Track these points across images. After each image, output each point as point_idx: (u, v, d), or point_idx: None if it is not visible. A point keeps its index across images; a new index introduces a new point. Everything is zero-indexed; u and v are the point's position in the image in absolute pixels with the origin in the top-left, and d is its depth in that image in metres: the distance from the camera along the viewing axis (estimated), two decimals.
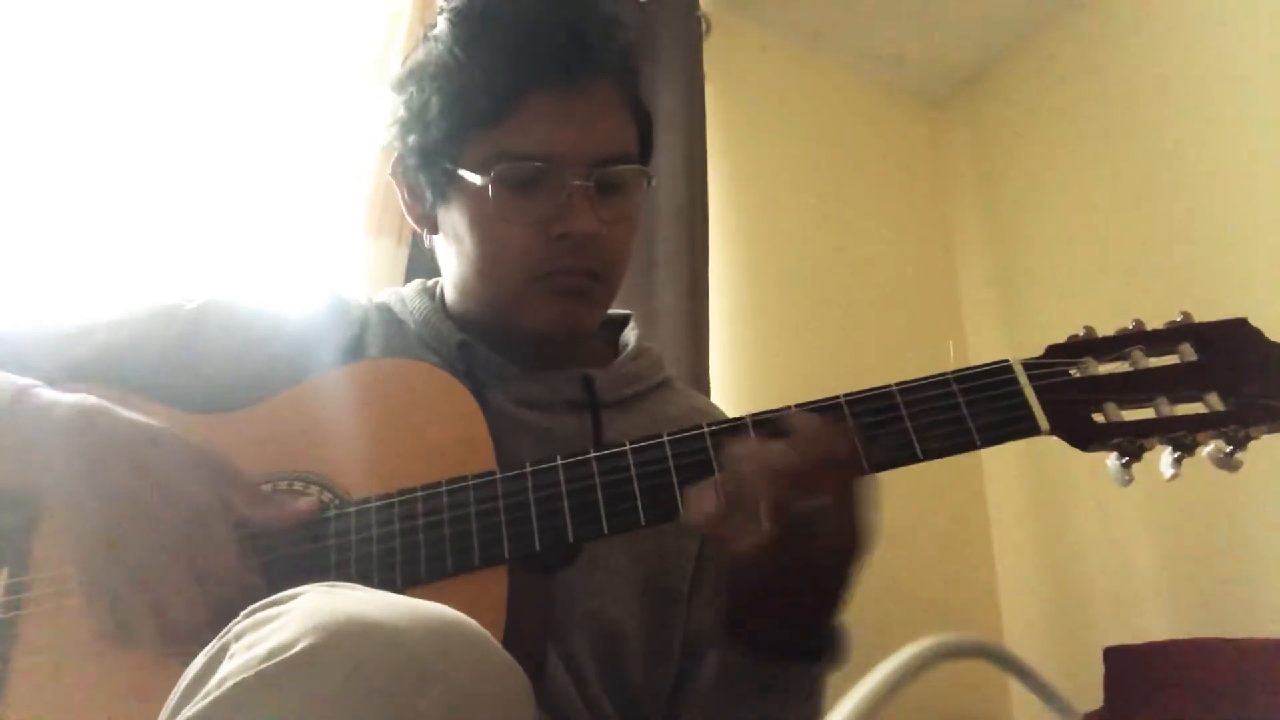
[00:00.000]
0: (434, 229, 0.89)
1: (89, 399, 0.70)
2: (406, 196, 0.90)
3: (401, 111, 0.85)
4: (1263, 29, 1.84)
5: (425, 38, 0.85)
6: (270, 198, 1.64)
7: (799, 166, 2.40)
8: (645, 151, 0.89)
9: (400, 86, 0.86)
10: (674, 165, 1.94)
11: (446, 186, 0.83)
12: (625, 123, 0.84)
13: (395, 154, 0.88)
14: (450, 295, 0.91)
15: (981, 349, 2.42)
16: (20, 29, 1.47)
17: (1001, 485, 2.29)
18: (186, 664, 0.49)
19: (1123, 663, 1.63)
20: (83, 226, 1.45)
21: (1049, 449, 0.67)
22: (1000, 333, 2.40)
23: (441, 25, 0.83)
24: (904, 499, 2.05)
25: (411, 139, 0.84)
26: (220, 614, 0.61)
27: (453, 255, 0.86)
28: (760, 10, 2.40)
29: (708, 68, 2.15)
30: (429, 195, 0.86)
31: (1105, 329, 0.71)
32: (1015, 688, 1.80)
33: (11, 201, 1.39)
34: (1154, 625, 1.78)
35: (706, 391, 1.80)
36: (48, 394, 0.70)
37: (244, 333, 0.85)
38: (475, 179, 0.79)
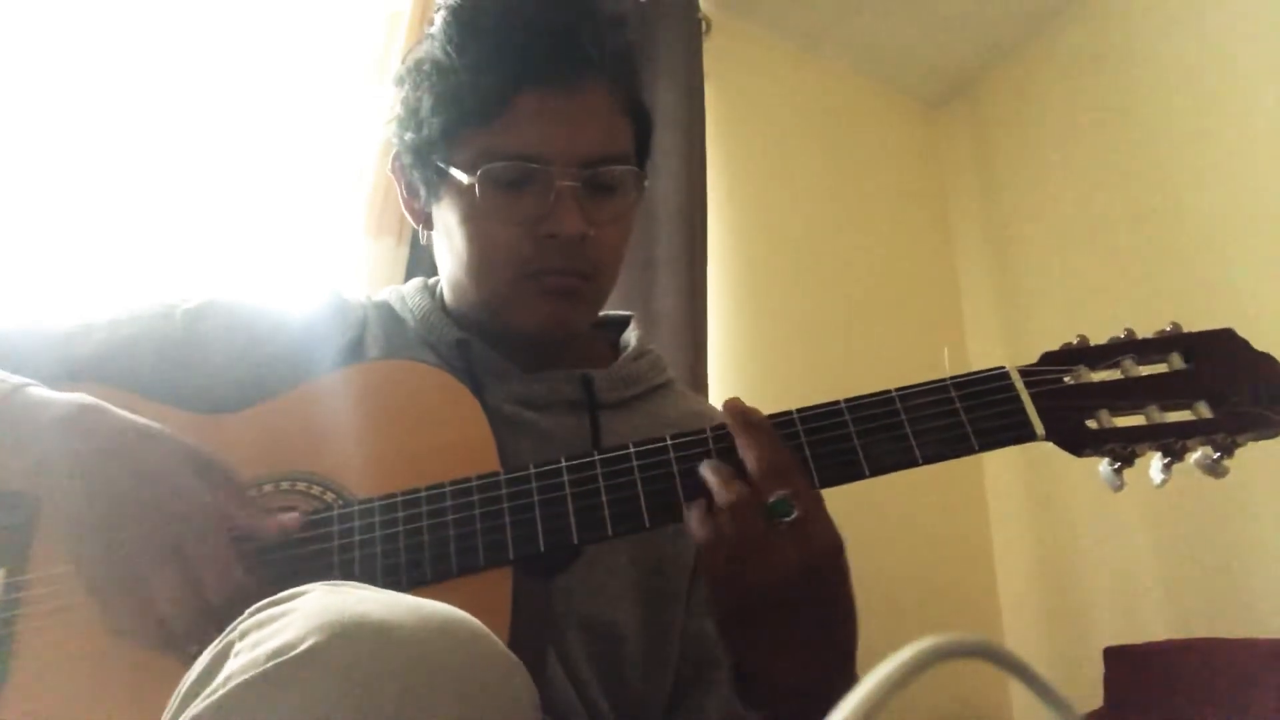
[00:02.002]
0: (430, 225, 0.89)
1: (84, 398, 0.69)
2: (404, 193, 0.91)
3: (399, 108, 0.86)
4: (1263, 31, 1.84)
5: (425, 35, 0.86)
6: (270, 198, 1.64)
7: (798, 167, 2.40)
8: (642, 153, 0.89)
9: (399, 83, 0.86)
10: (673, 166, 1.94)
11: (438, 184, 0.84)
12: (618, 124, 0.84)
13: (394, 150, 0.89)
14: (447, 294, 0.91)
15: (981, 348, 2.43)
16: (20, 29, 1.47)
17: (1001, 486, 2.29)
18: (186, 663, 0.49)
19: (1123, 663, 1.63)
20: (83, 226, 1.45)
21: (1047, 450, 0.68)
22: (999, 333, 2.40)
23: (437, 23, 0.84)
24: (904, 500, 2.07)
25: (407, 136, 0.85)
26: (210, 613, 0.61)
27: (446, 252, 0.87)
28: (760, 10, 2.40)
29: (707, 68, 2.15)
30: (423, 192, 0.87)
31: (1104, 327, 0.72)
32: (1015, 688, 1.80)
33: (12, 201, 1.39)
34: (1154, 625, 1.79)
35: (704, 393, 1.80)
36: (42, 393, 0.70)
37: (245, 332, 0.85)
38: (463, 178, 0.80)
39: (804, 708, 0.66)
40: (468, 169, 0.79)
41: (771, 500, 0.63)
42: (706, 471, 0.66)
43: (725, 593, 0.64)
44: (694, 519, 0.65)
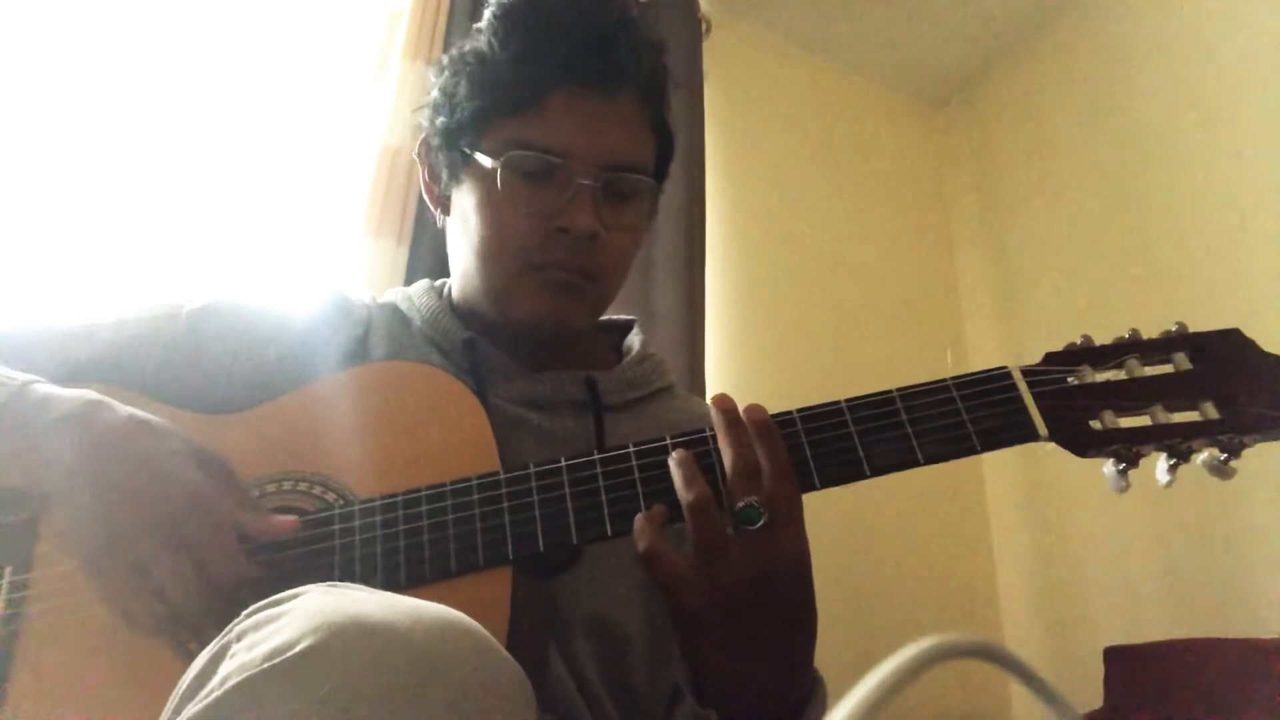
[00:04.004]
0: (447, 210, 0.91)
1: (88, 393, 0.70)
2: (426, 176, 0.93)
3: (435, 94, 0.89)
4: (1262, 32, 1.84)
5: (473, 30, 0.89)
6: (270, 198, 1.64)
7: (798, 167, 2.40)
8: (661, 171, 0.92)
9: (439, 71, 0.90)
10: (672, 166, 1.94)
11: (461, 168, 0.86)
12: (643, 136, 0.87)
13: (423, 134, 0.91)
14: (455, 287, 0.92)
15: (981, 348, 2.43)
16: (20, 29, 1.47)
17: (1001, 486, 2.29)
18: (188, 656, 0.49)
19: (1123, 663, 1.63)
20: (85, 227, 1.45)
21: (1047, 451, 0.68)
22: (999, 333, 2.40)
23: (485, 17, 0.86)
24: (905, 500, 2.07)
25: (439, 120, 0.87)
26: (215, 601, 0.62)
27: (459, 237, 0.88)
28: (760, 11, 2.40)
29: (707, 68, 2.16)
30: (445, 176, 0.88)
31: (1103, 328, 0.71)
32: (1015, 688, 1.80)
33: (13, 201, 1.39)
34: (1154, 625, 1.79)
35: (702, 394, 1.80)
36: (46, 389, 0.70)
37: (248, 332, 0.85)
38: (487, 162, 0.82)
39: (757, 708, 0.66)
40: (493, 155, 0.82)
41: (740, 505, 0.63)
42: (673, 467, 0.66)
43: (678, 592, 0.63)
44: (646, 516, 0.65)
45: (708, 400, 1.59)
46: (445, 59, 0.89)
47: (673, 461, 0.67)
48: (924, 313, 2.46)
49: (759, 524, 0.62)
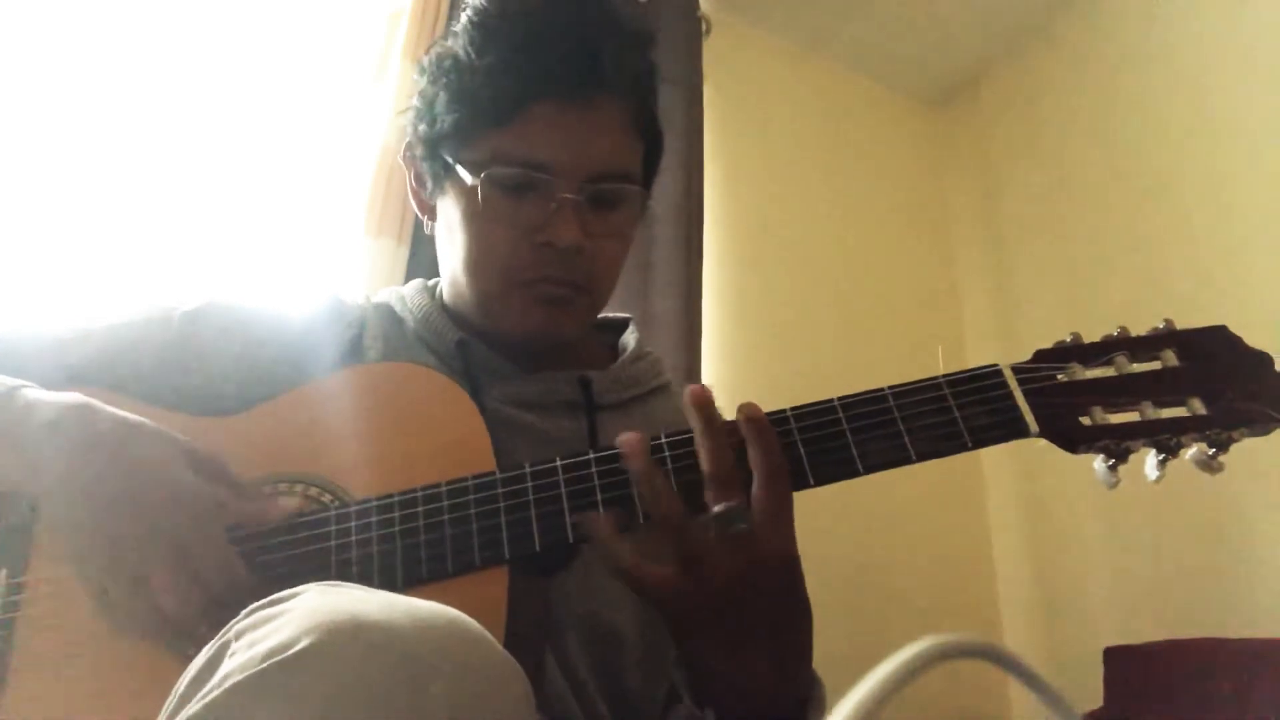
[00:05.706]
0: (434, 217, 0.90)
1: (76, 397, 0.69)
2: (413, 182, 0.92)
3: (416, 99, 0.87)
4: (1261, 32, 1.84)
5: (450, 30, 0.86)
6: (270, 198, 1.64)
7: (797, 168, 2.41)
8: (649, 173, 0.89)
9: (420, 73, 0.88)
10: (670, 166, 1.94)
11: (445, 179, 0.84)
12: (628, 142, 0.84)
13: (407, 139, 0.90)
14: (445, 293, 0.92)
15: (979, 348, 2.43)
16: (21, 29, 1.47)
17: (1001, 487, 2.30)
18: (183, 660, 0.49)
19: (1123, 663, 1.63)
20: (82, 228, 1.45)
21: (1046, 451, 0.68)
22: (997, 332, 2.41)
23: (462, 20, 0.84)
24: (904, 501, 2.07)
25: (421, 128, 0.86)
26: (211, 606, 0.62)
27: (446, 246, 0.87)
28: (760, 11, 2.40)
29: (707, 68, 2.16)
30: (430, 184, 0.88)
31: (1102, 326, 0.72)
32: (1015, 688, 1.80)
33: (11, 202, 1.39)
34: (1154, 625, 1.79)
35: None
36: (35, 394, 0.70)
37: (242, 334, 0.85)
38: (469, 177, 0.80)
39: (755, 708, 0.66)
40: (474, 170, 0.80)
41: (719, 509, 0.62)
42: (641, 484, 0.65)
43: (666, 601, 0.63)
44: (603, 537, 0.65)
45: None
46: (425, 61, 0.87)
47: (639, 477, 0.66)
48: (923, 313, 2.46)
49: (741, 527, 0.62)
